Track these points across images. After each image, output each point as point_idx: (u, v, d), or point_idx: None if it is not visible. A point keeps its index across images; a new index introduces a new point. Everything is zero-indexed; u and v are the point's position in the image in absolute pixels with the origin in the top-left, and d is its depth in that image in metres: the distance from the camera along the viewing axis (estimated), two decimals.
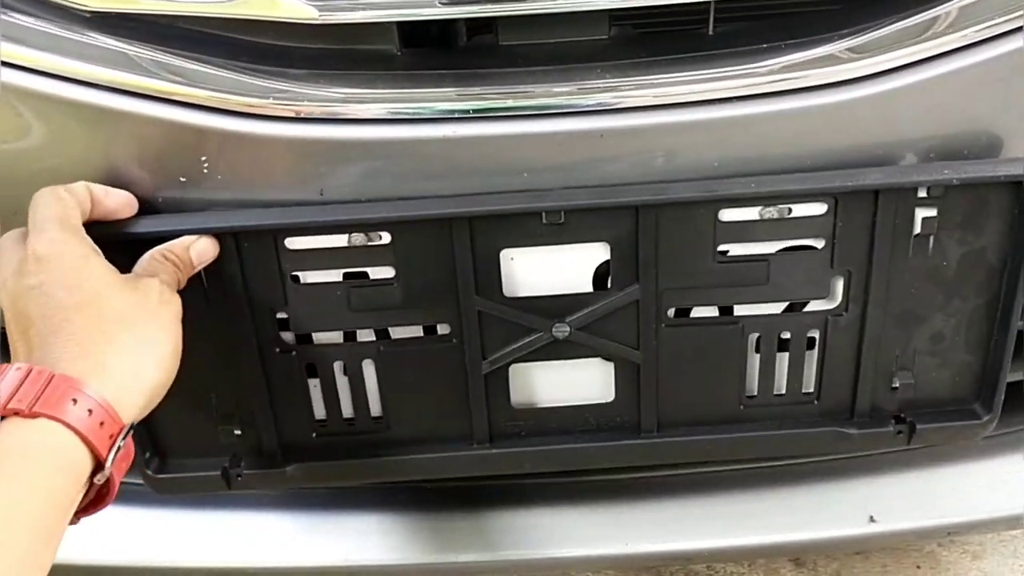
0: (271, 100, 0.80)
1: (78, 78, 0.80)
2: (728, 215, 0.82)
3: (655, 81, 0.80)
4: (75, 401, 0.65)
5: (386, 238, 0.83)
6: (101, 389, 0.66)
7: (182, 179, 0.82)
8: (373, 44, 0.86)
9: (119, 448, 0.67)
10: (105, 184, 0.81)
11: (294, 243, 0.83)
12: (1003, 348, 0.87)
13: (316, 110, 0.80)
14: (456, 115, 0.80)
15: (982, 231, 0.82)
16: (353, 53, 0.86)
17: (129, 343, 0.70)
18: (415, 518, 1.03)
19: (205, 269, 0.83)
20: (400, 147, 0.81)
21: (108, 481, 0.68)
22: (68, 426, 0.64)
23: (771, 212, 0.82)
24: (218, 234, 0.82)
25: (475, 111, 0.80)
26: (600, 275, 0.86)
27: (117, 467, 0.68)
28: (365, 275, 0.85)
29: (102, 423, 0.66)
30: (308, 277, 0.85)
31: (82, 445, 0.65)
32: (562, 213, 0.81)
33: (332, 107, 0.81)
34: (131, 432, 0.69)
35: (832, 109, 0.80)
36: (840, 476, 1.03)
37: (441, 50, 0.87)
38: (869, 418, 0.91)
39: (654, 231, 0.82)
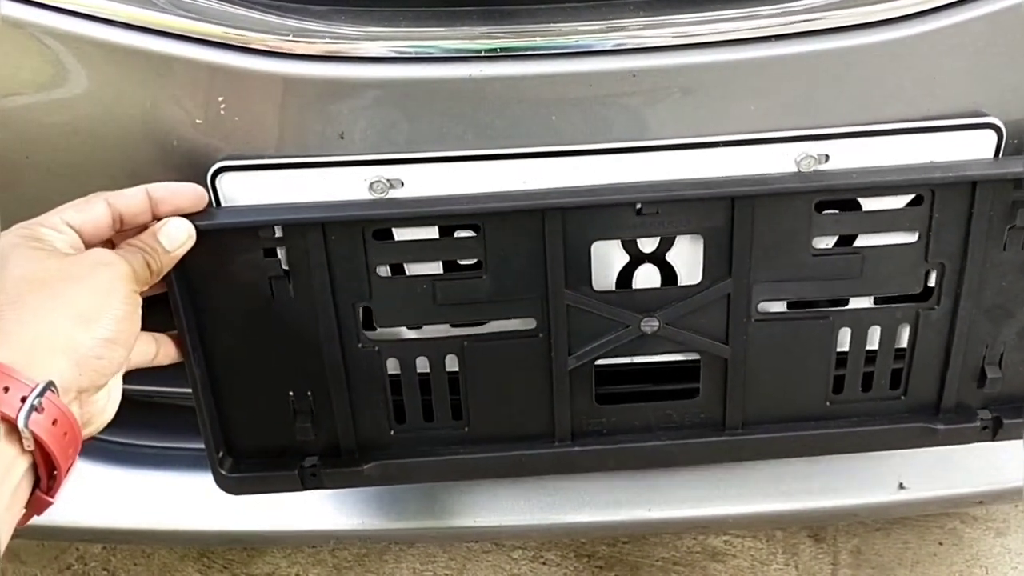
0: (291, 38, 0.77)
1: (91, 13, 0.77)
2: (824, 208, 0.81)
3: (690, 19, 0.78)
4: None
5: (476, 230, 0.82)
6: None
7: (198, 121, 0.79)
8: None
9: (33, 407, 0.63)
10: (122, 129, 0.78)
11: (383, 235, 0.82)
12: None
13: (337, 48, 0.77)
14: (482, 54, 0.77)
15: None
16: None
17: (40, 306, 0.67)
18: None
19: (290, 262, 0.82)
20: (423, 87, 0.78)
21: (47, 454, 0.65)
22: None
23: (867, 204, 0.81)
24: (308, 225, 0.80)
25: (501, 50, 0.77)
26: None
27: (53, 438, 0.64)
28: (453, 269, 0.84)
29: (6, 388, 0.63)
30: (394, 270, 0.84)
31: None
32: (657, 205, 0.80)
33: (353, 45, 0.78)
34: (47, 391, 0.64)
35: (873, 48, 0.78)
36: None
37: None
38: (955, 413, 0.90)
39: (750, 223, 0.81)
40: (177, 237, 0.78)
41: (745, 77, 0.79)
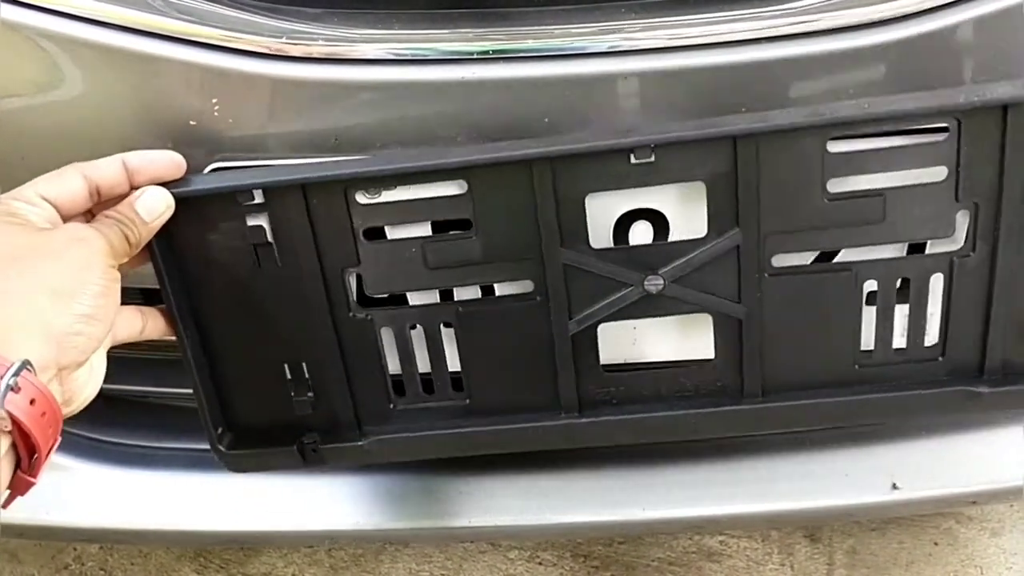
0: (284, 40, 0.77)
1: (85, 15, 0.77)
2: (837, 145, 0.74)
3: (682, 21, 0.76)
4: None
5: (462, 187, 0.78)
6: None
7: (192, 123, 0.79)
8: None
9: (9, 387, 0.61)
10: (115, 130, 0.78)
11: (365, 196, 0.79)
12: None
13: (330, 50, 0.77)
14: (474, 56, 0.77)
15: None
16: None
17: (14, 283, 0.65)
18: (431, 481, 1.00)
19: (273, 228, 0.79)
20: (416, 89, 0.78)
21: (26, 434, 0.63)
22: None
23: (886, 140, 0.74)
24: (286, 188, 0.78)
25: (494, 52, 0.77)
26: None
27: (31, 418, 0.62)
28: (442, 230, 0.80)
29: None
30: (381, 233, 0.81)
31: None
32: (651, 150, 0.75)
33: (346, 47, 0.77)
34: (23, 370, 0.62)
35: (868, 51, 0.75)
36: (862, 442, 0.98)
37: None
38: (1002, 375, 0.81)
39: (755, 166, 0.74)
40: (155, 207, 0.76)
41: (739, 79, 0.77)
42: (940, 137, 0.73)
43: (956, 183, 0.75)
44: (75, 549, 1.50)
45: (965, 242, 0.77)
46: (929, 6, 0.75)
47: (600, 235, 0.81)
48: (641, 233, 0.82)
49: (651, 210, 0.81)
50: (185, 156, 0.78)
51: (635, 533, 1.36)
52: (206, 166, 0.81)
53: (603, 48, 0.76)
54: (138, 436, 0.98)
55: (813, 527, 1.42)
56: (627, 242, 0.82)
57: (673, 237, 0.81)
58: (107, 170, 0.75)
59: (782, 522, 1.29)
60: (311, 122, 0.79)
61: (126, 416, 1.00)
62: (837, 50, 0.76)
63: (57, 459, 0.97)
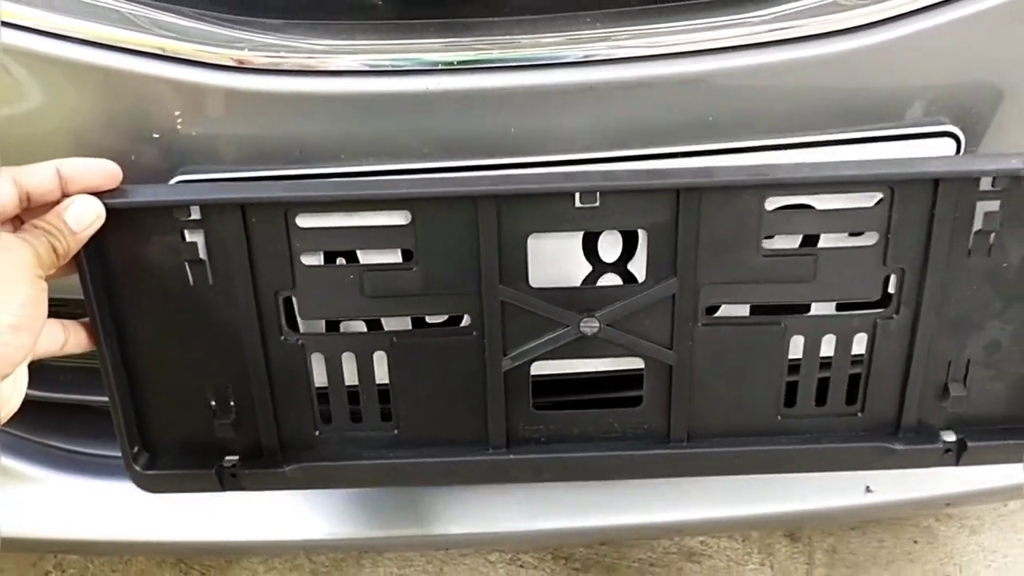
0: (246, 51, 0.76)
1: (45, 29, 0.75)
2: (775, 203, 0.76)
3: (648, 31, 0.77)
4: None
5: (406, 218, 0.77)
6: None
7: (155, 135, 0.78)
8: None
9: None
10: (77, 143, 0.77)
11: (306, 220, 0.77)
12: None
13: (293, 62, 0.76)
14: (440, 67, 0.77)
15: None
16: (333, 2, 0.82)
17: None
18: (403, 489, 0.99)
19: (209, 245, 0.77)
20: (380, 101, 0.77)
21: None
22: None
23: (822, 201, 0.76)
24: (226, 207, 0.76)
25: (459, 62, 0.77)
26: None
27: None
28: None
29: None
30: (319, 259, 0.79)
31: None
32: (597, 196, 0.76)
33: (310, 59, 0.77)
34: None
35: (831, 59, 0.77)
36: None
37: None
38: (916, 433, 0.84)
39: (696, 218, 0.76)
40: (84, 217, 0.73)
41: (703, 88, 0.78)
42: (873, 203, 0.76)
43: (885, 248, 0.77)
44: (55, 556, 1.47)
45: (889, 305, 0.80)
46: (878, 18, 0.77)
47: (561, 268, 0.81)
48: (609, 245, 0.82)
49: None
50: (150, 168, 0.77)
51: (612, 538, 1.37)
52: (171, 178, 0.79)
53: (569, 59, 0.77)
54: (114, 447, 0.94)
55: (793, 527, 1.43)
56: (597, 256, 0.82)
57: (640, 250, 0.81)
58: (39, 176, 0.72)
59: (760, 525, 1.30)
60: (274, 134, 0.78)
61: (100, 428, 0.97)
62: (803, 58, 0.77)
63: (32, 472, 0.99)
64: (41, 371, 0.96)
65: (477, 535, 1.00)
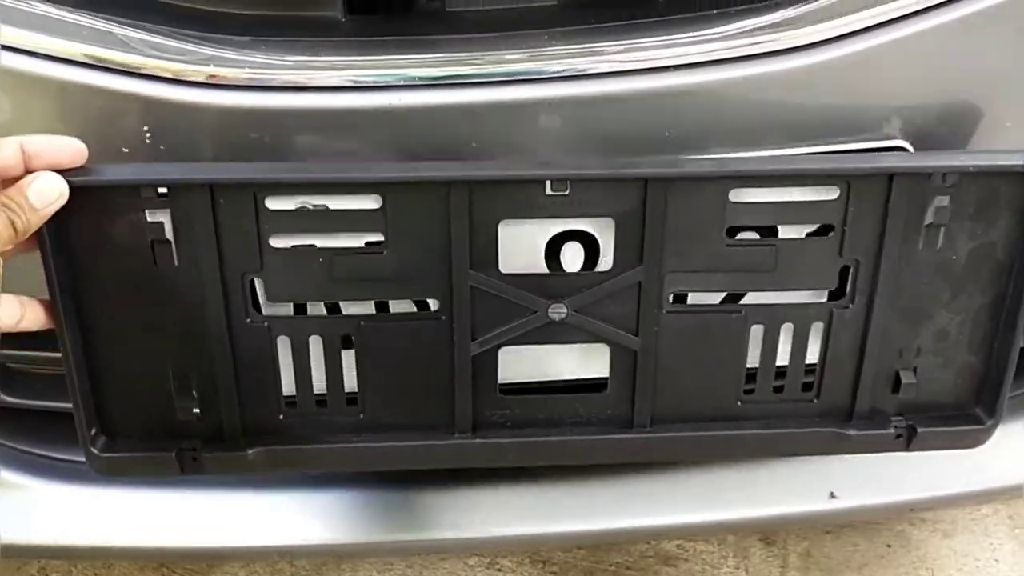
0: (212, 67, 0.77)
1: (12, 45, 0.75)
2: (739, 195, 0.78)
3: (605, 48, 0.79)
4: None
5: (376, 202, 0.77)
6: None
7: (124, 150, 0.79)
8: (317, 10, 0.84)
9: None
10: None
11: (275, 203, 0.77)
12: (1007, 350, 0.84)
13: (257, 77, 0.78)
14: (401, 83, 0.78)
15: (993, 224, 0.80)
16: (297, 20, 0.84)
17: None
18: (383, 495, 1.00)
19: (175, 226, 0.77)
20: (344, 116, 0.79)
21: None
22: None
23: (782, 194, 0.79)
24: (194, 187, 0.75)
25: (421, 79, 0.78)
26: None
27: None
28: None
29: None
30: (288, 241, 0.79)
31: None
32: (567, 184, 0.77)
33: (274, 75, 0.78)
34: None
35: (788, 75, 0.79)
36: None
37: (386, 16, 0.86)
38: (869, 419, 0.88)
39: (663, 208, 0.78)
40: (47, 194, 0.72)
41: (661, 105, 0.80)
42: (831, 196, 0.79)
43: (841, 241, 0.80)
44: (39, 562, 1.45)
45: (844, 295, 0.83)
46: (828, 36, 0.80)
47: (530, 257, 0.83)
48: (572, 254, 0.83)
49: (583, 232, 0.83)
50: None
51: (589, 543, 1.38)
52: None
53: (529, 75, 0.78)
54: None
55: (767, 531, 1.45)
56: (559, 263, 0.84)
57: (603, 260, 0.83)
58: (2, 152, 0.71)
59: (729, 530, 1.33)
60: (238, 149, 0.79)
61: None
62: (761, 74, 0.80)
63: (14, 478, 0.99)
64: (22, 379, 0.96)
65: (455, 540, 1.01)
